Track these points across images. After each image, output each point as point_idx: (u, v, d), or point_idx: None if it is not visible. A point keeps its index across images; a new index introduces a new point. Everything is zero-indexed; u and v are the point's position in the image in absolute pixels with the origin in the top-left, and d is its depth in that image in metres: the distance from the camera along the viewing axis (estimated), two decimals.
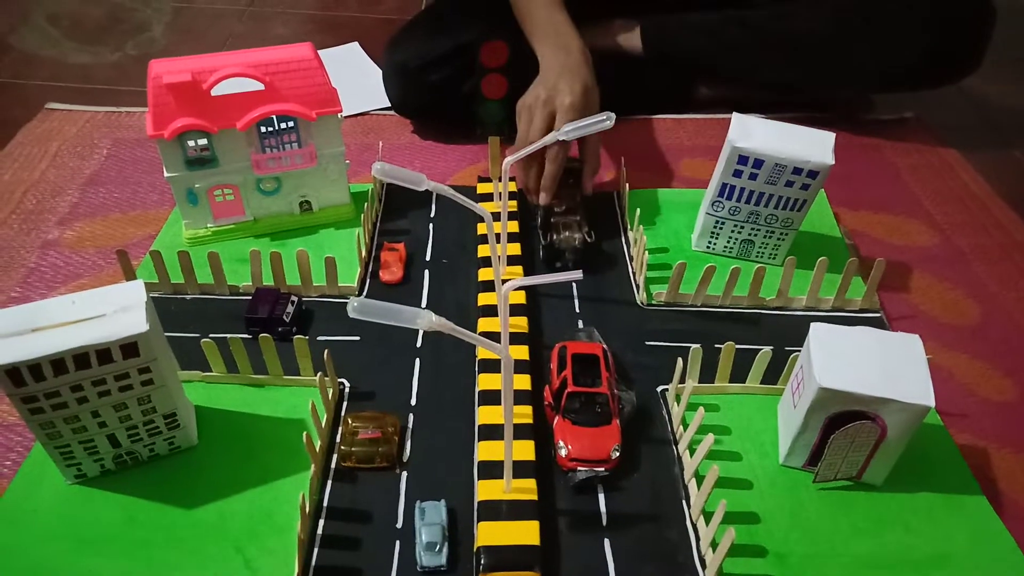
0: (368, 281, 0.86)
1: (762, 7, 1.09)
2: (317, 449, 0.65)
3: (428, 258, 0.90)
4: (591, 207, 0.92)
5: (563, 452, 0.65)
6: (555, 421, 0.68)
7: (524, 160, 0.90)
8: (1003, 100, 1.34)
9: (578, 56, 0.91)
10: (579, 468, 0.65)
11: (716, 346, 0.73)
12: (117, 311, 0.57)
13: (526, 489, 0.62)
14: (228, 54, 0.81)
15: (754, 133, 0.81)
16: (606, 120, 0.69)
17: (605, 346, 0.73)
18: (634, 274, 0.88)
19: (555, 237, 0.87)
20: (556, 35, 0.93)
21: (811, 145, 0.80)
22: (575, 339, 0.75)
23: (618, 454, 0.65)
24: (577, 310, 0.84)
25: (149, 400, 0.61)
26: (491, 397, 0.70)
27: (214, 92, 0.79)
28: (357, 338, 0.79)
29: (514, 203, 0.94)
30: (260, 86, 0.81)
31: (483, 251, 0.88)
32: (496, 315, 0.78)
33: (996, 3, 1.02)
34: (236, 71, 0.79)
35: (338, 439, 0.68)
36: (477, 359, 0.75)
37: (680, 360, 0.71)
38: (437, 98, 1.07)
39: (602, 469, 0.65)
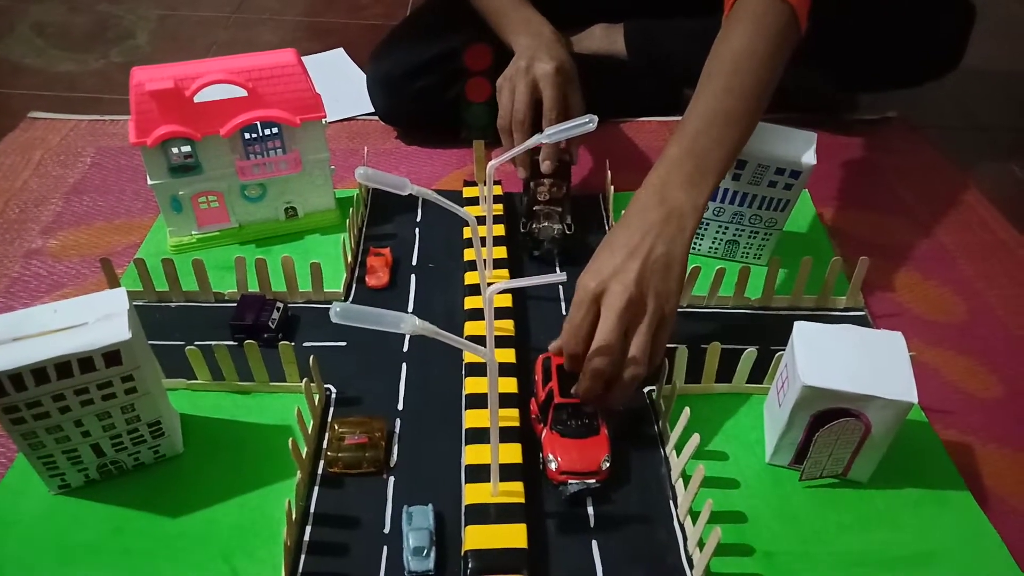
0: (354, 286, 0.86)
1: None
2: (303, 455, 0.65)
3: (415, 263, 0.90)
4: (576, 206, 0.93)
5: (553, 465, 0.65)
6: (543, 434, 0.67)
7: (508, 134, 0.92)
8: (985, 99, 1.36)
9: (551, 36, 0.93)
10: (570, 481, 0.64)
11: (702, 346, 0.73)
12: (99, 319, 0.57)
13: (513, 492, 0.62)
14: (211, 60, 0.81)
15: None
16: (589, 123, 0.69)
17: None
18: None
19: (535, 226, 0.88)
20: (527, 24, 0.96)
21: (794, 145, 0.81)
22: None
23: (608, 464, 0.64)
24: (563, 312, 0.84)
25: (133, 408, 0.61)
26: (478, 401, 0.70)
27: (197, 99, 0.79)
28: (343, 344, 0.79)
29: (499, 207, 0.94)
30: (243, 92, 0.81)
31: (469, 255, 0.88)
32: (482, 319, 0.78)
33: (975, 2, 1.03)
34: (219, 78, 0.79)
35: (325, 445, 0.68)
36: (464, 363, 0.75)
37: (666, 361, 0.71)
38: (422, 106, 1.08)
39: (593, 481, 0.64)
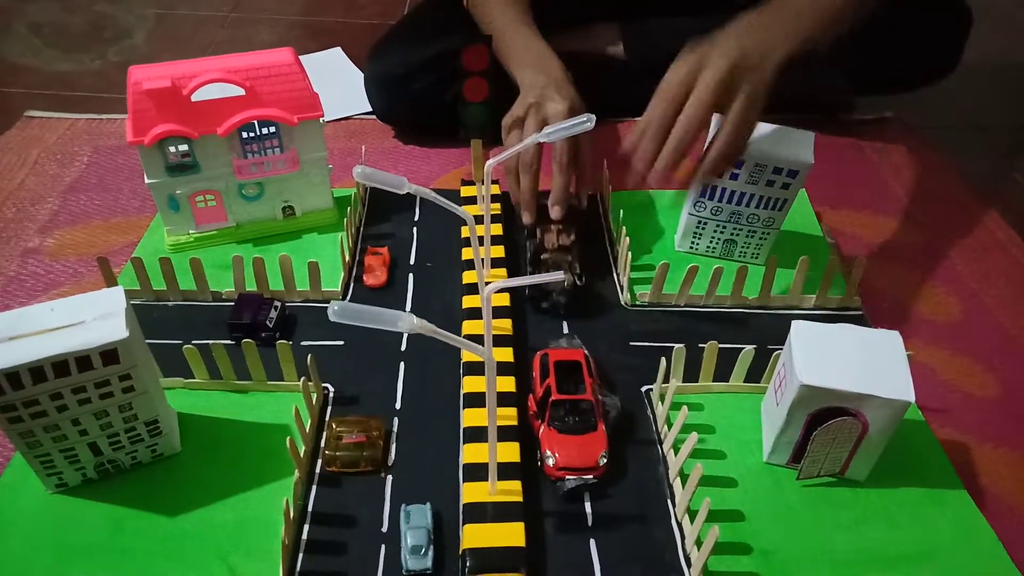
0: (352, 285, 0.86)
1: (744, 12, 1.10)
2: (301, 454, 0.65)
3: (412, 262, 0.90)
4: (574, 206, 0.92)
5: (551, 462, 0.65)
6: (540, 430, 0.67)
7: (514, 175, 0.89)
8: (981, 99, 1.36)
9: (560, 75, 0.89)
10: (567, 477, 0.64)
11: (700, 345, 0.73)
12: (97, 318, 0.57)
13: (511, 491, 0.62)
14: (208, 59, 0.80)
15: None
16: (587, 122, 0.69)
17: (586, 351, 0.73)
18: (618, 275, 0.88)
19: None
20: (535, 59, 0.92)
21: (791, 144, 0.81)
22: (556, 346, 0.75)
23: (606, 460, 0.65)
24: (562, 311, 0.84)
25: (131, 407, 0.61)
26: (476, 399, 0.70)
27: (194, 98, 0.79)
28: (341, 343, 0.79)
29: (497, 206, 0.94)
30: (241, 91, 0.81)
31: (467, 254, 0.88)
32: (480, 318, 0.78)
33: (971, 4, 1.03)
34: (216, 76, 0.79)
35: (322, 444, 0.68)
36: (462, 362, 0.75)
37: (664, 360, 0.71)
38: (420, 106, 1.08)
39: (590, 477, 0.64)
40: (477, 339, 0.74)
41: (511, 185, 0.91)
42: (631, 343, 0.80)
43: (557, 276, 0.55)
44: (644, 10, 1.16)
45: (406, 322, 0.47)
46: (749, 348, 0.72)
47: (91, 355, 0.55)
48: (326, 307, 0.46)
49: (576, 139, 0.86)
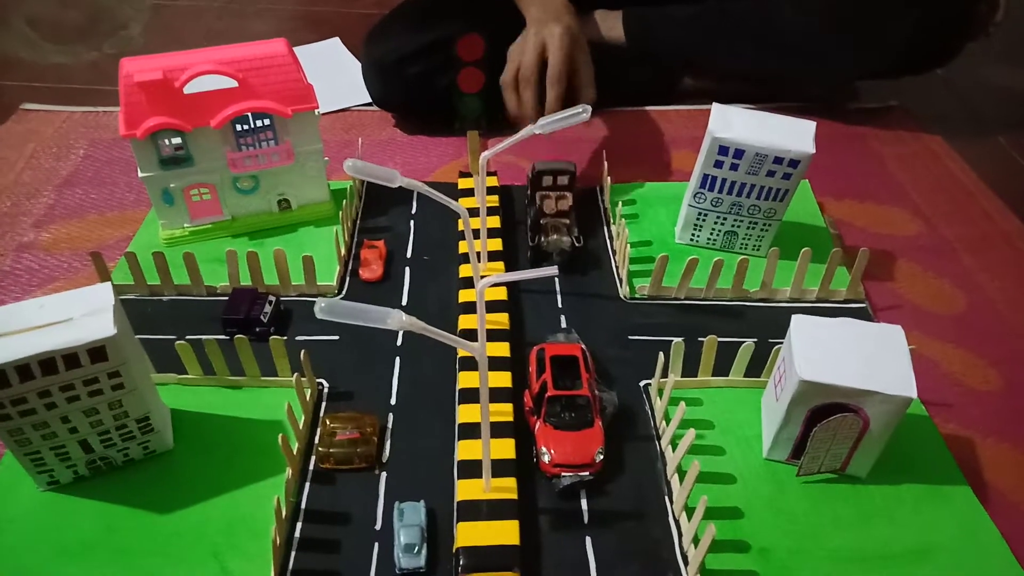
0: (348, 279, 0.85)
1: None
2: (294, 451, 0.64)
3: (409, 255, 0.89)
4: (579, 207, 0.91)
5: (546, 458, 0.64)
6: (536, 426, 0.66)
7: (512, 89, 0.95)
8: (986, 88, 1.34)
9: (562, 9, 0.97)
10: (563, 474, 0.64)
11: (699, 339, 0.72)
12: (85, 315, 0.56)
13: (506, 488, 0.62)
14: (201, 51, 0.79)
15: (734, 123, 0.80)
16: (582, 112, 0.68)
17: (583, 346, 0.72)
18: (617, 268, 0.87)
19: (543, 239, 0.85)
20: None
21: (791, 134, 0.80)
22: (553, 340, 0.74)
23: (602, 457, 0.64)
24: (559, 304, 0.83)
25: (121, 404, 0.60)
26: (471, 396, 0.69)
27: (187, 90, 0.78)
28: (336, 338, 0.78)
29: (495, 198, 0.93)
30: (234, 83, 0.80)
31: (464, 247, 0.87)
32: (476, 312, 0.77)
33: None
34: (208, 68, 0.78)
35: (316, 440, 0.67)
36: (457, 357, 0.74)
37: (662, 354, 0.70)
38: (417, 91, 1.07)
39: (587, 473, 0.64)
40: (473, 333, 0.73)
41: (509, 99, 0.95)
42: (629, 337, 0.79)
43: (552, 271, 0.54)
44: None
45: (395, 319, 0.46)
46: (749, 342, 0.71)
47: (78, 352, 0.55)
48: None
49: (573, 61, 0.94)
